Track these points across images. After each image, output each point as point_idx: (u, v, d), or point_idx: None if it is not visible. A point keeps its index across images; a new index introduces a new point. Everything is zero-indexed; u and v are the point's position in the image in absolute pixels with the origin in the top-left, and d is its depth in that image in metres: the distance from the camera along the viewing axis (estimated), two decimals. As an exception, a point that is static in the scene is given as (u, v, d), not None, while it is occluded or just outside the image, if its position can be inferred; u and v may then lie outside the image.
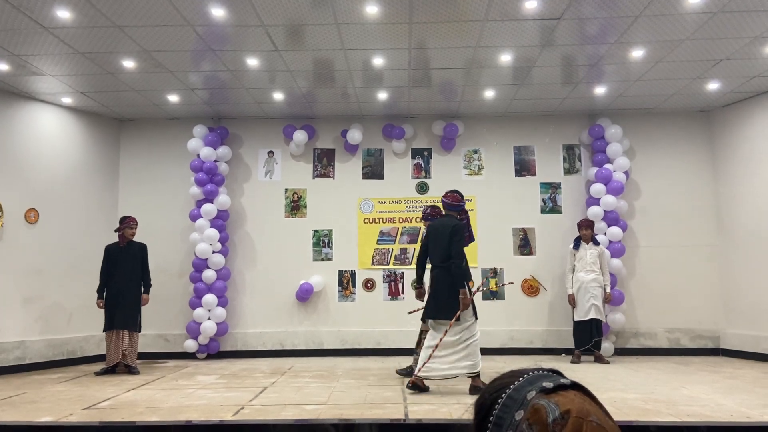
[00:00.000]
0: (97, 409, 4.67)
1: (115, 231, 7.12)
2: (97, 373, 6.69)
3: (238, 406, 4.71)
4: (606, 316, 7.53)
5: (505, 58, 6.51)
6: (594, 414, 0.74)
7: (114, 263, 6.96)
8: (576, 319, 7.43)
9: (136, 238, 7.13)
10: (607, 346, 7.88)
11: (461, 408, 4.56)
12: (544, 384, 0.78)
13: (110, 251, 7.05)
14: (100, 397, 5.20)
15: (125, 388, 5.65)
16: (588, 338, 7.31)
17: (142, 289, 7.06)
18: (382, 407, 4.64)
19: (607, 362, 7.25)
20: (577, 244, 7.60)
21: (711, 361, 7.42)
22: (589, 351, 7.36)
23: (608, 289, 7.50)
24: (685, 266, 8.22)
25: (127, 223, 7.03)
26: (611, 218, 8.02)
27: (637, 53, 6.36)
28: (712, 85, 7.35)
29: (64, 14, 5.31)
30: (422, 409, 4.57)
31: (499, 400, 0.80)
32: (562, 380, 0.80)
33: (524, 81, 7.24)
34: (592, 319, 7.32)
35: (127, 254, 6.99)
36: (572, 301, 7.51)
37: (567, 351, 7.88)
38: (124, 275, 6.92)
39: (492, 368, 6.41)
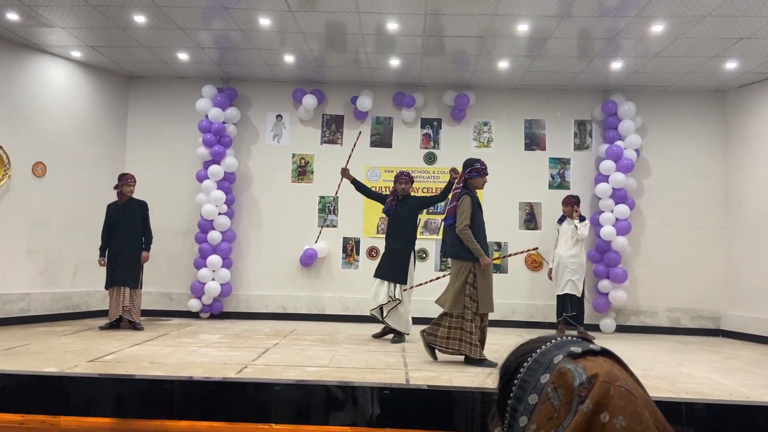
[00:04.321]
0: (102, 362, 4.72)
1: (114, 188, 7.08)
2: (102, 328, 6.76)
3: (241, 365, 4.76)
4: (582, 291, 7.39)
5: (522, 27, 6.40)
6: (623, 379, 0.72)
7: (114, 221, 6.95)
8: (556, 293, 7.48)
9: (139, 196, 7.11)
10: (608, 323, 7.93)
11: (462, 376, 4.60)
12: (572, 348, 0.77)
13: (110, 209, 7.03)
14: (104, 350, 5.26)
15: (130, 343, 5.71)
16: (559, 313, 7.37)
17: (143, 246, 7.06)
18: (383, 372, 4.69)
19: (591, 338, 7.26)
20: (561, 219, 7.58)
21: (710, 342, 7.46)
22: (570, 325, 7.38)
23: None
24: (690, 246, 8.21)
25: (124, 181, 6.99)
26: (619, 196, 7.97)
27: (656, 28, 6.25)
28: (730, 65, 7.23)
29: (75, -36, 5.22)
30: (423, 375, 4.61)
31: (525, 364, 0.79)
32: (591, 346, 0.78)
33: (539, 53, 7.13)
34: (566, 294, 7.34)
35: (127, 212, 6.97)
36: (551, 275, 7.54)
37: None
38: (123, 233, 6.91)
39: (494, 341, 6.46)
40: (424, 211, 8.43)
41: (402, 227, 6.54)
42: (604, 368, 0.73)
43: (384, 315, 6.44)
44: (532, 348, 0.81)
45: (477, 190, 5.45)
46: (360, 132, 7.74)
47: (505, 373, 0.82)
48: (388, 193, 6.86)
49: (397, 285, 6.35)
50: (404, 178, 6.63)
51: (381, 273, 6.49)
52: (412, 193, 6.86)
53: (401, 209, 6.57)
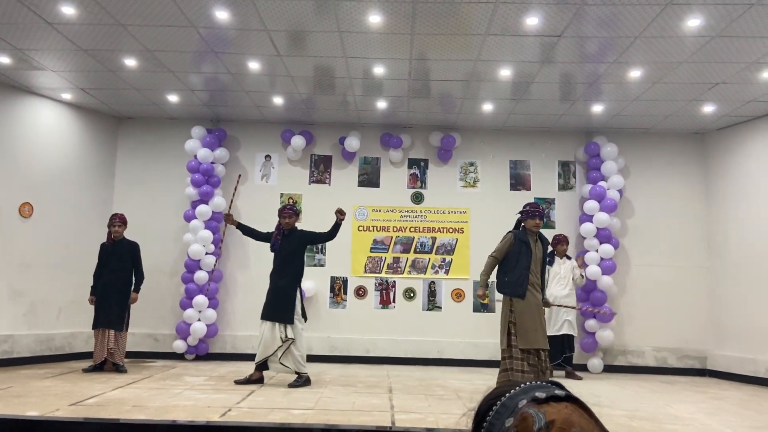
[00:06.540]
0: (83, 406, 4.65)
1: (107, 227, 7.11)
2: (85, 370, 6.66)
3: (225, 408, 4.71)
4: (575, 329, 7.47)
5: (505, 72, 6.58)
6: (578, 425, 0.75)
7: (104, 261, 6.94)
8: (548, 334, 7.42)
9: (130, 237, 7.10)
10: (595, 363, 7.92)
11: (449, 418, 4.57)
12: (537, 394, 0.80)
13: (101, 249, 7.03)
14: (87, 393, 5.18)
15: (112, 386, 5.63)
16: (559, 353, 7.32)
17: (132, 286, 7.02)
18: (369, 414, 4.65)
19: (579, 378, 7.25)
20: (551, 260, 7.62)
21: (697, 382, 7.46)
22: (560, 366, 7.36)
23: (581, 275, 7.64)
24: (676, 286, 8.28)
25: (111, 221, 7.00)
26: (604, 235, 8.07)
27: (635, 73, 6.44)
28: (708, 108, 7.44)
29: (68, 10, 5.33)
30: (409, 417, 4.58)
31: (494, 407, 0.82)
32: (557, 391, 0.81)
33: (523, 96, 7.31)
34: (564, 335, 7.34)
35: (115, 253, 6.94)
36: None
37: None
38: (111, 274, 6.87)
39: (484, 381, 6.43)
40: (411, 250, 8.50)
41: (288, 263, 6.22)
42: (562, 414, 0.76)
43: (279, 357, 6.07)
44: (502, 391, 0.85)
45: (533, 230, 5.62)
46: (240, 175, 7.65)
47: (476, 416, 0.86)
48: (273, 230, 6.45)
49: (286, 325, 6.06)
50: (288, 211, 6.35)
51: (268, 314, 6.11)
52: (299, 227, 6.51)
53: (287, 244, 6.26)
